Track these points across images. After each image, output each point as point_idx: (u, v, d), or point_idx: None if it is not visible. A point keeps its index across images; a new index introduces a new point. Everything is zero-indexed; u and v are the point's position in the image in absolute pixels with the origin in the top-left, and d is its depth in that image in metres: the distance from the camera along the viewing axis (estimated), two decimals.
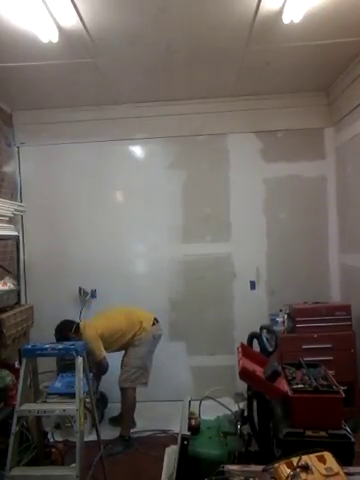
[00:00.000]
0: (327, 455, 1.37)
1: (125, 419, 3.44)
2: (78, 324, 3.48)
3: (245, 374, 1.87)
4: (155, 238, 4.26)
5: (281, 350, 3.11)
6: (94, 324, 3.47)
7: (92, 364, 3.29)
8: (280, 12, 2.56)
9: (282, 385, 1.83)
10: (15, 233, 3.74)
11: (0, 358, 2.95)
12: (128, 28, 2.73)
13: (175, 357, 4.16)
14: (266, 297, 4.19)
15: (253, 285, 4.20)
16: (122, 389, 3.43)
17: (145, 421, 3.65)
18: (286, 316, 3.61)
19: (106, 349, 3.42)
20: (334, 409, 1.70)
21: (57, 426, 3.46)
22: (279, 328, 3.54)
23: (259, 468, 1.49)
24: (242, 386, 2.15)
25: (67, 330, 3.39)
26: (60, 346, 2.46)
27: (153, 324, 3.56)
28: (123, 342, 3.49)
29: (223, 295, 4.22)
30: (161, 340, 3.65)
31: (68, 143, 4.25)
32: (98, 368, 3.42)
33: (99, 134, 4.23)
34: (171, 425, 3.42)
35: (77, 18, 2.56)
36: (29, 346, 2.50)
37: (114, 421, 3.65)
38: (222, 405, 2.13)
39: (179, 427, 1.79)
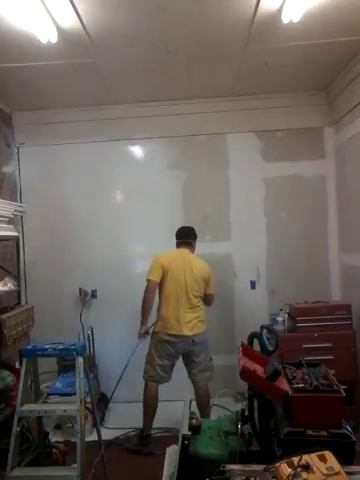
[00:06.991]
0: (328, 454, 1.37)
1: (143, 413, 3.35)
2: (196, 236, 3.56)
3: (246, 374, 1.87)
4: (155, 238, 4.25)
5: (281, 349, 3.11)
6: (172, 255, 3.42)
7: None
8: (279, 11, 2.56)
9: (283, 384, 1.83)
10: (15, 233, 3.75)
11: (1, 358, 2.96)
12: (127, 28, 2.73)
13: None
14: (266, 296, 4.19)
15: (253, 284, 4.20)
16: None
17: None
18: (286, 315, 3.61)
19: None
20: (335, 408, 1.69)
21: (58, 426, 3.47)
22: (279, 327, 3.55)
23: (260, 468, 1.49)
24: (243, 386, 2.16)
25: (192, 237, 3.54)
26: (60, 346, 2.46)
27: (169, 334, 3.28)
28: (154, 308, 3.37)
29: (223, 294, 4.21)
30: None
31: (68, 143, 4.25)
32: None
33: (99, 134, 4.23)
34: (172, 425, 3.41)
35: (76, 18, 2.56)
36: (29, 346, 2.50)
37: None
38: (222, 407, 2.12)
39: (180, 427, 1.79)
